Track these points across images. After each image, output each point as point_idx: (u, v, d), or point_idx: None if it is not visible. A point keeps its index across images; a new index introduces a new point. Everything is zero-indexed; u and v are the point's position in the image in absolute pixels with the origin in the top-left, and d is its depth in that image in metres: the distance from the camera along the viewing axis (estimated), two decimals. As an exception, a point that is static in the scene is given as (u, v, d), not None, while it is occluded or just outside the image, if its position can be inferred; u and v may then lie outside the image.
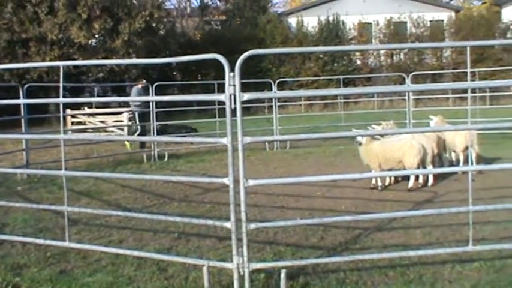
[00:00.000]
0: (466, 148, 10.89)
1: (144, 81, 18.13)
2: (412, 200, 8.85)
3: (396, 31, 38.58)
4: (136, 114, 17.02)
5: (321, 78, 33.20)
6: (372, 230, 7.01)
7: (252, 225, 4.96)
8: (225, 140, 4.85)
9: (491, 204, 6.23)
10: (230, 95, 4.75)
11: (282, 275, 4.80)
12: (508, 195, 8.72)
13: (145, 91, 16.85)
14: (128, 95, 22.47)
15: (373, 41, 39.14)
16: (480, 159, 11.41)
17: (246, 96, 4.79)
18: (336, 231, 7.00)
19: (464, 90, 20.13)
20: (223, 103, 4.81)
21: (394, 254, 5.53)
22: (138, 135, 16.58)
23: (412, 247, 6.23)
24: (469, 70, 5.69)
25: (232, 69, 4.73)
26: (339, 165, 12.72)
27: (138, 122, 16.92)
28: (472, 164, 10.55)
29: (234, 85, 4.73)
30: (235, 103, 4.75)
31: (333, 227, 7.12)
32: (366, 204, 8.65)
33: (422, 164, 9.88)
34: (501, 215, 7.33)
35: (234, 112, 4.76)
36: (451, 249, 5.80)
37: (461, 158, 11.14)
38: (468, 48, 5.56)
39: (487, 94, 24.76)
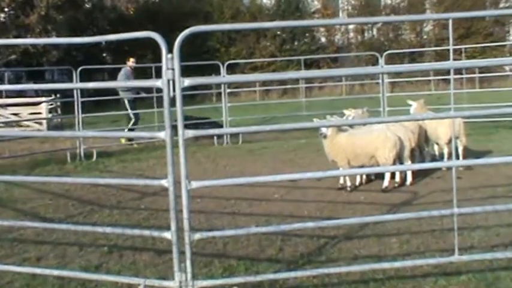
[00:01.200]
0: (451, 140, 10.98)
1: (133, 60, 17.96)
2: (388, 202, 8.95)
3: (367, 2, 38.94)
4: (126, 101, 17.10)
5: (279, 59, 33.41)
6: (340, 239, 7.07)
7: (197, 235, 4.94)
8: (163, 134, 4.82)
9: (480, 206, 6.37)
10: (168, 81, 4.71)
11: (233, 294, 4.81)
12: (500, 195, 8.94)
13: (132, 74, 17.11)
14: (48, 81, 22.15)
15: (340, 14, 39.51)
16: (468, 153, 11.63)
17: (187, 81, 4.76)
18: (297, 240, 7.03)
19: (448, 72, 20.51)
20: (161, 90, 4.77)
21: (366, 267, 5.58)
22: (132, 125, 16.95)
23: (387, 258, 6.30)
24: (451, 47, 5.78)
25: (170, 50, 4.69)
26: (300, 163, 12.79)
27: (130, 110, 17.03)
28: (458, 158, 10.79)
29: (173, 69, 4.69)
30: (174, 90, 4.72)
31: (293, 235, 7.15)
32: (332, 208, 8.72)
33: (399, 159, 9.99)
34: (492, 218, 7.51)
35: (173, 101, 4.73)
36: (433, 259, 5.87)
37: (446, 151, 11.25)
38: (451, 21, 5.65)
39: (476, 75, 25.20)
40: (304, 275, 5.57)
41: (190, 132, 4.85)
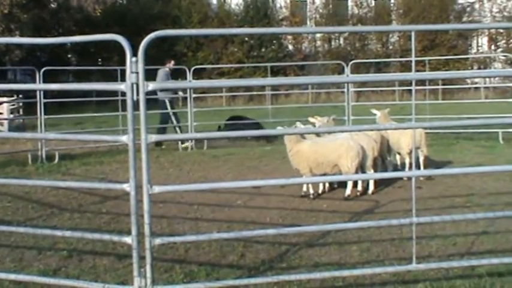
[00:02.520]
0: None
1: (173, 62, 18.34)
2: (350, 211, 9.01)
3: (335, 11, 39.22)
4: (167, 102, 17.14)
5: (246, 65, 33.40)
6: (301, 246, 7.10)
7: (158, 240, 4.93)
8: (126, 138, 4.80)
9: (438, 216, 6.46)
10: (132, 84, 4.70)
11: (193, 300, 4.81)
12: (459, 205, 9.08)
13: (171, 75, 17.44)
14: (10, 81, 21.87)
15: (308, 22, 39.72)
16: (429, 163, 11.78)
17: (152, 85, 4.76)
18: (259, 247, 7.06)
19: (412, 82, 20.73)
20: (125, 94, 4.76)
21: (326, 274, 5.61)
22: (162, 129, 17.04)
23: (347, 266, 6.35)
24: (413, 59, 5.86)
25: (136, 53, 4.68)
26: (264, 170, 12.82)
27: (170, 112, 17.13)
28: (419, 168, 10.93)
29: (137, 72, 4.68)
30: (138, 94, 4.71)
31: (255, 242, 7.17)
32: (295, 216, 8.76)
33: (361, 168, 10.08)
34: (450, 227, 7.62)
35: (137, 105, 4.73)
36: (391, 268, 5.93)
37: (407, 161, 11.31)
38: (413, 34, 5.73)
39: (439, 87, 25.53)
40: (265, 281, 5.57)
41: (153, 137, 4.85)
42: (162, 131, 17.12)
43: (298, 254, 6.84)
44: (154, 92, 4.78)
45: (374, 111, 12.16)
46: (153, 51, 29.14)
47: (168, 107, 17.25)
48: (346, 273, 5.65)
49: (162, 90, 16.85)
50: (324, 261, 6.56)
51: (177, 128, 17.34)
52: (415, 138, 10.10)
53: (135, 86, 4.69)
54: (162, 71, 17.46)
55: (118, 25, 32.07)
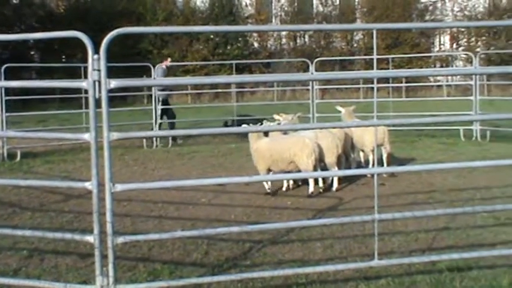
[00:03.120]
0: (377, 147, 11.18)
1: (170, 59, 18.83)
2: (314, 208, 9.03)
3: (300, 9, 39.34)
4: (160, 99, 17.49)
5: (212, 63, 33.39)
6: (265, 243, 7.11)
7: (120, 239, 4.89)
8: (88, 136, 4.76)
9: (400, 212, 6.52)
10: (94, 82, 4.65)
11: (156, 299, 4.79)
12: (421, 202, 9.17)
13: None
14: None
15: (273, 20, 39.77)
16: (392, 160, 11.89)
17: (114, 83, 4.71)
18: (223, 244, 7.05)
19: (377, 80, 20.89)
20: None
21: (289, 271, 5.62)
22: (171, 124, 17.68)
23: (310, 263, 6.36)
24: (375, 57, 5.90)
25: (98, 51, 4.64)
26: (229, 167, 12.83)
27: (159, 108, 17.31)
28: (382, 165, 11.05)
29: (99, 70, 4.64)
30: (100, 91, 4.67)
31: (219, 240, 7.17)
32: (259, 213, 8.77)
33: (322, 164, 10.15)
34: (412, 224, 7.70)
35: (100, 102, 4.69)
36: (354, 264, 5.97)
37: (371, 158, 11.44)
38: (375, 32, 5.77)
39: (403, 85, 25.76)
40: (228, 279, 5.57)
41: (116, 135, 4.81)
42: (171, 125, 17.70)
43: (262, 251, 6.85)
44: (118, 90, 4.72)
45: (339, 108, 12.23)
46: (118, 49, 29.17)
47: (160, 104, 17.37)
48: (309, 270, 5.67)
49: (160, 88, 17.33)
50: (287, 259, 6.56)
51: (169, 124, 17.78)
52: (377, 136, 10.17)
53: (97, 83, 4.65)
54: (160, 68, 17.64)
55: (82, 22, 31.72)
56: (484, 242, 6.95)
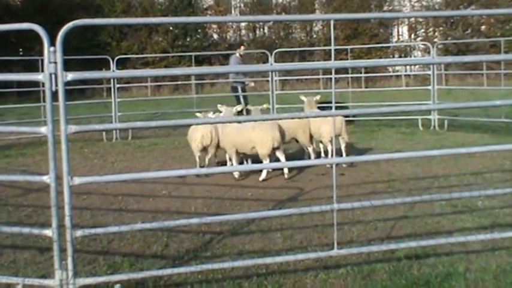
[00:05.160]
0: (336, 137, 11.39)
1: (243, 47, 18.22)
2: (274, 199, 9.06)
3: (259, 1, 39.38)
4: (239, 88, 17.22)
5: (171, 55, 33.23)
6: (225, 235, 7.13)
7: (79, 232, 4.85)
8: (45, 129, 4.71)
9: (359, 201, 6.58)
10: (50, 75, 4.60)
11: (116, 291, 4.77)
12: (380, 191, 9.28)
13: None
14: None
15: (232, 11, 39.71)
16: (352, 150, 11.98)
17: (71, 75, 4.66)
18: (183, 236, 7.05)
19: (336, 71, 21.05)
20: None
21: (249, 262, 5.63)
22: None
23: (271, 253, 6.39)
24: (333, 47, 5.93)
25: (54, 43, 4.59)
26: (190, 159, 12.73)
27: (242, 100, 16.90)
28: (341, 155, 11.16)
29: (55, 62, 4.59)
30: (57, 84, 4.62)
31: (180, 232, 7.17)
32: (219, 204, 8.77)
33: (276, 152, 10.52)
34: (371, 213, 7.78)
35: (57, 95, 4.64)
36: (313, 254, 5.97)
37: (330, 148, 11.49)
38: (332, 22, 5.80)
39: (362, 75, 25.95)
40: (189, 270, 5.56)
41: (73, 128, 4.76)
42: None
43: (223, 242, 6.86)
44: (76, 83, 4.69)
45: (302, 97, 12.32)
46: (76, 41, 28.89)
47: (240, 96, 17.26)
48: (269, 260, 5.67)
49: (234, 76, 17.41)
50: (247, 249, 6.59)
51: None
52: (334, 126, 10.25)
53: (53, 76, 4.60)
54: (233, 57, 17.59)
55: (39, 14, 31.28)
56: (441, 230, 7.06)
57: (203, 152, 11.03)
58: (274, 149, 10.48)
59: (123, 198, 9.24)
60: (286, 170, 10.52)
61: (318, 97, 12.45)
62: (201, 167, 10.95)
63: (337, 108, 17.49)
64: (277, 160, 10.64)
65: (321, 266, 5.87)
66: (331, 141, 11.26)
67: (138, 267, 6.06)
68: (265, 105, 12.01)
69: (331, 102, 17.17)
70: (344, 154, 11.50)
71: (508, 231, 6.39)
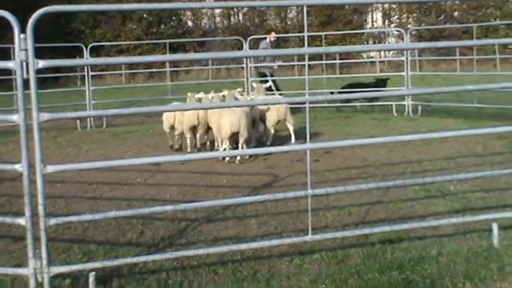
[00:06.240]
0: (277, 122, 12.25)
1: (273, 33, 18.76)
2: (249, 185, 9.07)
3: (234, -13, 39.32)
4: (268, 73, 17.59)
5: (145, 42, 33.05)
6: (200, 221, 7.12)
7: (53, 221, 4.83)
8: (16, 117, 4.67)
9: (333, 187, 6.61)
10: (21, 62, 4.56)
11: (91, 279, 4.76)
12: (354, 177, 9.33)
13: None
14: None
15: (207, -2, 39.58)
16: (327, 136, 12.09)
17: (42, 63, 4.62)
18: (158, 224, 7.04)
19: (310, 58, 21.08)
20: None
21: (224, 248, 5.64)
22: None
23: (246, 239, 6.40)
24: (306, 34, 5.96)
25: (25, 30, 4.54)
26: (164, 147, 12.74)
27: (272, 85, 16.97)
28: (291, 139, 12.02)
29: (26, 49, 4.54)
30: (28, 72, 4.58)
31: (155, 219, 7.15)
32: (194, 191, 8.76)
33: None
34: (346, 198, 7.82)
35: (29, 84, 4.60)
36: (288, 239, 6.02)
37: (272, 133, 12.26)
38: (305, 8, 5.80)
39: (337, 62, 26.01)
40: (164, 257, 5.56)
41: (46, 116, 4.73)
42: None
43: (198, 229, 6.86)
44: (49, 71, 4.65)
45: (253, 85, 13.62)
46: (49, 29, 28.56)
47: (270, 81, 17.20)
48: (244, 246, 5.70)
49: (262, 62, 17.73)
50: (223, 236, 6.59)
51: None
52: (279, 111, 11.57)
53: (24, 63, 4.55)
54: (263, 43, 17.93)
55: (11, 2, 30.84)
56: (414, 214, 7.12)
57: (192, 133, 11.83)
58: (235, 134, 10.89)
59: (97, 186, 9.20)
60: (238, 157, 10.87)
61: (267, 85, 13.28)
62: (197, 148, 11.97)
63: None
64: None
65: (295, 251, 5.89)
66: (274, 126, 12.19)
67: (113, 255, 6.03)
68: (267, 84, 13.12)
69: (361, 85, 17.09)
70: (292, 136, 12.17)
71: (479, 215, 6.48)
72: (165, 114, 12.17)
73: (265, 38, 18.84)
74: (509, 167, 8.59)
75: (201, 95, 12.07)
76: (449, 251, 5.68)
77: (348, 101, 17.66)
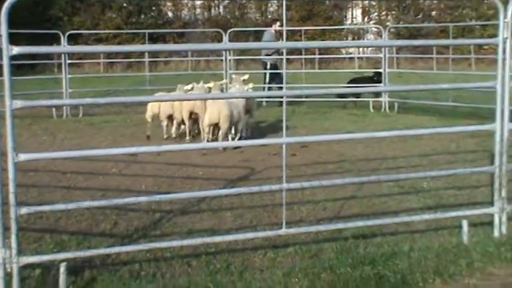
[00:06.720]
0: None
1: (278, 23, 18.49)
2: (225, 178, 9.02)
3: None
4: (268, 63, 17.46)
5: (125, 31, 32.83)
6: (175, 213, 7.08)
7: (24, 210, 4.75)
8: (-11, 105, 4.60)
9: (309, 181, 6.60)
10: (-5, 48, 4.48)
11: (62, 269, 4.69)
12: (330, 171, 9.34)
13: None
14: None
15: (187, -11, 39.42)
16: (304, 131, 12.10)
17: (16, 49, 4.54)
18: (132, 215, 6.97)
19: (290, 52, 21.06)
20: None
21: (198, 241, 5.62)
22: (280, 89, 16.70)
23: (221, 232, 6.37)
24: (285, 28, 5.94)
25: (2, 16, 4.46)
26: (141, 137, 12.64)
27: (273, 75, 16.95)
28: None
29: (0, 35, 4.46)
30: (1, 58, 4.50)
31: (129, 210, 7.08)
32: (170, 183, 8.71)
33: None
34: (321, 193, 7.82)
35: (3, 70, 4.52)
36: (262, 233, 6.00)
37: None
38: (284, 2, 5.78)
39: (316, 57, 26.04)
40: (137, 249, 5.50)
41: (19, 103, 4.65)
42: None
43: (172, 221, 6.82)
44: (26, 57, 4.59)
45: (233, 75, 13.82)
46: (26, 15, 28.26)
47: (268, 68, 17.30)
48: (218, 239, 5.67)
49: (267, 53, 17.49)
50: (197, 228, 6.55)
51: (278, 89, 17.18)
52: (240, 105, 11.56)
53: (-2, 50, 4.48)
54: (267, 33, 17.84)
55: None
56: (388, 210, 7.15)
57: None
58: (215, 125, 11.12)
59: (72, 176, 9.10)
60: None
61: (246, 76, 12.91)
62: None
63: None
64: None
65: (269, 245, 5.88)
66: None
67: (86, 245, 5.97)
68: (246, 76, 12.87)
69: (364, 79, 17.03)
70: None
71: (450, 212, 6.52)
72: (149, 103, 12.11)
73: (271, 29, 18.67)
74: (481, 165, 8.69)
75: (190, 86, 12.19)
76: (421, 247, 5.69)
77: (357, 95, 17.67)
